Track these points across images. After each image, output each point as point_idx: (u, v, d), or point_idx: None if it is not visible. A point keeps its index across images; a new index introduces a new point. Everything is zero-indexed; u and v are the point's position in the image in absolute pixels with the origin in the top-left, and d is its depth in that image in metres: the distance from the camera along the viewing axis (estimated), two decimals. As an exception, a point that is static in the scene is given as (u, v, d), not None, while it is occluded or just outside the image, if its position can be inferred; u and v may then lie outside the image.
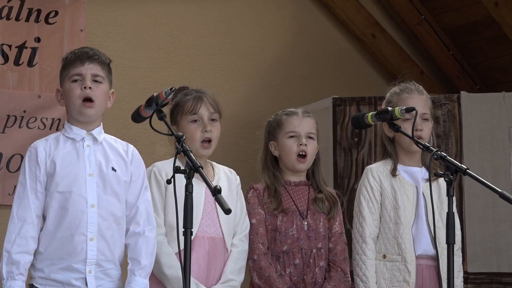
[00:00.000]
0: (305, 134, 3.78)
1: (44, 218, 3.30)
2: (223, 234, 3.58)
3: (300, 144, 3.75)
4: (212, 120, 3.63)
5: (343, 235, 3.81)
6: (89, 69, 3.38)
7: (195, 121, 3.61)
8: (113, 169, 3.38)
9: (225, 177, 3.68)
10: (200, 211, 3.53)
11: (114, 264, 3.36)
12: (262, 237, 3.69)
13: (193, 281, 3.41)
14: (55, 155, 3.33)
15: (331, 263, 3.75)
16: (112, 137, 3.50)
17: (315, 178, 3.85)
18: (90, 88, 3.35)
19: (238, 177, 3.74)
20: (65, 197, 3.28)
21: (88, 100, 3.34)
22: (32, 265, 3.28)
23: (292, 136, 3.78)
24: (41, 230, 3.28)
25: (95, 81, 3.38)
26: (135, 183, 3.43)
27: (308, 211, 3.76)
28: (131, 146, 3.50)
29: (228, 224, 3.59)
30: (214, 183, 3.52)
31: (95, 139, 3.40)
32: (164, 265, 3.45)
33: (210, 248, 3.54)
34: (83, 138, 3.38)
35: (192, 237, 3.39)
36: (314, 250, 3.71)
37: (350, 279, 3.75)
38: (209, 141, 3.60)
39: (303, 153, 3.75)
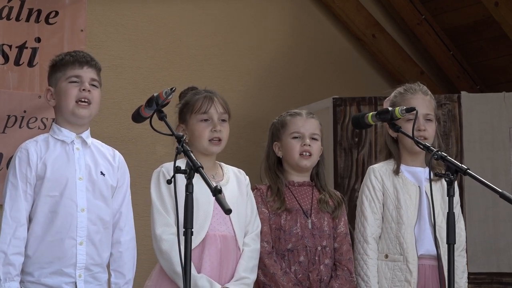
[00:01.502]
0: (309, 135, 3.80)
1: (29, 220, 3.30)
2: (234, 233, 3.58)
3: (304, 145, 3.77)
4: (222, 120, 3.63)
5: (348, 235, 3.82)
6: (88, 73, 3.41)
7: (205, 120, 3.61)
8: (101, 173, 3.42)
9: (234, 177, 3.68)
10: (211, 209, 3.52)
11: (102, 268, 3.40)
12: (266, 236, 3.69)
13: (206, 279, 3.43)
14: (47, 158, 3.35)
15: (337, 263, 3.76)
16: (98, 141, 3.52)
17: (319, 179, 3.86)
18: (89, 91, 3.36)
19: (247, 177, 3.73)
20: (56, 200, 3.31)
21: (84, 101, 3.36)
22: (21, 269, 3.29)
23: (296, 137, 3.79)
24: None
25: (92, 85, 3.40)
26: (120, 189, 3.48)
27: (312, 210, 3.77)
28: (117, 152, 3.54)
29: (240, 223, 3.60)
30: (223, 184, 3.54)
31: (84, 142, 3.44)
32: (176, 263, 3.43)
33: (222, 246, 3.53)
34: (73, 141, 3.40)
35: (204, 235, 3.46)
36: (319, 248, 3.72)
37: (355, 279, 3.76)
38: (219, 139, 3.60)
39: (307, 153, 3.76)
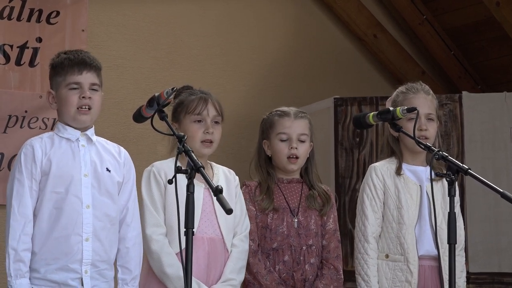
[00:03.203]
0: (296, 136, 3.78)
1: (34, 216, 3.29)
2: (222, 235, 3.59)
3: (291, 148, 3.76)
4: (215, 122, 3.64)
5: (337, 232, 3.81)
6: (87, 78, 3.38)
7: (199, 121, 3.62)
8: (107, 169, 3.41)
9: (224, 177, 3.69)
10: (199, 212, 3.52)
11: (109, 264, 3.39)
12: (252, 234, 3.69)
13: (194, 280, 3.42)
14: (52, 154, 3.33)
15: (324, 260, 3.75)
16: (103, 139, 3.52)
17: (308, 175, 3.84)
18: (89, 98, 3.36)
19: (237, 177, 3.74)
20: (61, 197, 3.29)
21: (85, 108, 3.36)
22: None
23: (283, 139, 3.79)
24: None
25: (92, 89, 3.39)
26: (126, 185, 3.47)
27: (299, 208, 3.76)
28: (122, 149, 3.53)
29: (227, 225, 3.60)
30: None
31: (89, 139, 3.42)
32: (165, 264, 3.46)
33: (210, 249, 3.54)
34: (78, 138, 3.40)
35: (191, 238, 3.46)
36: (304, 247, 3.71)
37: (342, 277, 3.75)
38: (210, 142, 3.61)
39: (294, 156, 3.76)
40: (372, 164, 3.89)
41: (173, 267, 3.45)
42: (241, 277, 3.60)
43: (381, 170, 3.82)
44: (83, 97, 3.35)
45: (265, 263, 3.67)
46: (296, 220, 3.74)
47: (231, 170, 3.75)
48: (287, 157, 3.76)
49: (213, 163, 3.72)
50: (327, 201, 3.81)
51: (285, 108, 3.88)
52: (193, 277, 3.38)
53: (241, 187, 3.78)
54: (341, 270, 3.75)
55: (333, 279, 3.71)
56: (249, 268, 3.66)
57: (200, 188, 3.53)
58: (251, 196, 3.76)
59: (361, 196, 3.86)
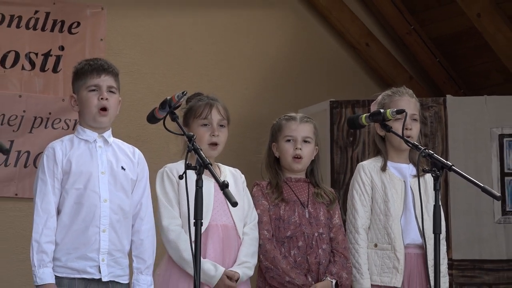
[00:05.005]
0: (301, 138, 3.82)
1: (58, 212, 3.34)
2: (234, 222, 3.63)
3: (296, 148, 3.80)
4: (221, 126, 3.67)
5: (342, 227, 3.85)
6: (105, 81, 3.42)
7: (205, 125, 3.64)
8: (122, 168, 3.44)
9: (231, 175, 3.74)
10: (211, 202, 3.57)
11: (123, 253, 3.43)
12: (266, 225, 3.74)
13: (210, 262, 3.51)
14: (71, 155, 3.39)
15: (334, 250, 3.78)
16: (120, 140, 3.56)
17: (314, 176, 3.89)
18: (107, 99, 3.39)
19: (243, 175, 3.80)
20: (80, 193, 3.34)
21: (103, 109, 3.40)
22: None
23: (289, 140, 3.83)
24: None
25: (110, 91, 3.43)
26: (140, 182, 3.50)
27: (308, 201, 3.80)
28: (137, 149, 3.57)
29: (238, 214, 3.66)
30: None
31: (106, 141, 3.47)
32: (183, 250, 3.50)
33: (224, 235, 3.59)
34: (95, 140, 3.44)
35: (206, 226, 3.50)
36: (316, 234, 3.75)
37: (351, 266, 3.77)
38: (216, 144, 3.64)
39: (298, 156, 3.79)
40: (360, 163, 3.93)
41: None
42: (254, 260, 3.65)
43: (368, 168, 3.86)
44: (101, 98, 3.39)
45: (280, 249, 3.71)
46: (306, 210, 3.78)
47: (237, 169, 3.81)
48: (292, 157, 3.81)
49: (220, 164, 3.77)
50: (334, 199, 3.86)
51: (292, 114, 3.92)
52: (210, 261, 3.47)
53: (253, 187, 3.84)
54: (350, 260, 3.78)
55: (344, 267, 3.74)
56: (266, 255, 3.70)
57: (210, 183, 3.55)
58: (263, 192, 3.80)
59: (351, 192, 3.89)
